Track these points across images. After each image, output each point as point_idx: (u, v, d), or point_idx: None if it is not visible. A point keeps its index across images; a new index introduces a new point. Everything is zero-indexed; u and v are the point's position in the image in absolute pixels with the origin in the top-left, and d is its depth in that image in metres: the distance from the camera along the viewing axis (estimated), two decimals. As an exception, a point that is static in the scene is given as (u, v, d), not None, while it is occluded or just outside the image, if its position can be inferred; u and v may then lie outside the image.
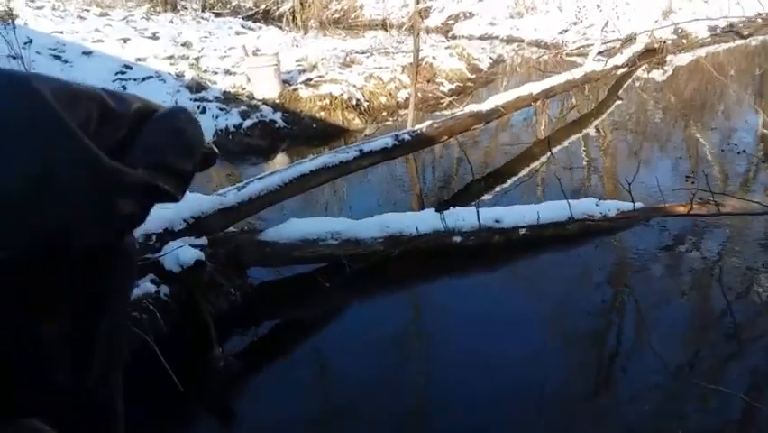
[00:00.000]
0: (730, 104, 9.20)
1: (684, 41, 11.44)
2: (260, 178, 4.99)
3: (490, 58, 12.21)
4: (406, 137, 6.34)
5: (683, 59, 11.36)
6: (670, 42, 11.24)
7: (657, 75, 10.69)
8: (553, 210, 5.18)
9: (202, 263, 4.11)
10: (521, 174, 6.66)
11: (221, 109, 8.59)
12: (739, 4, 11.86)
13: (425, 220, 5.11)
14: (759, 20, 11.38)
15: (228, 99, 8.87)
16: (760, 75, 10.33)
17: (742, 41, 11.22)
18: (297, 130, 8.37)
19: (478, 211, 4.88)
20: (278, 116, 8.48)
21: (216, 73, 9.75)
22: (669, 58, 11.15)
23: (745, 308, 4.01)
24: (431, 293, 4.62)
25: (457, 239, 5.04)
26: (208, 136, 8.09)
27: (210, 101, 8.76)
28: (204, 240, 4.50)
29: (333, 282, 4.44)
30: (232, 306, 4.24)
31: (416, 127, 6.64)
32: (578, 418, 3.08)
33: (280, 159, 7.58)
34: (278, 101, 8.77)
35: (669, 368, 3.41)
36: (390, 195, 6.46)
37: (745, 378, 3.29)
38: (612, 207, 5.22)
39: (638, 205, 5.25)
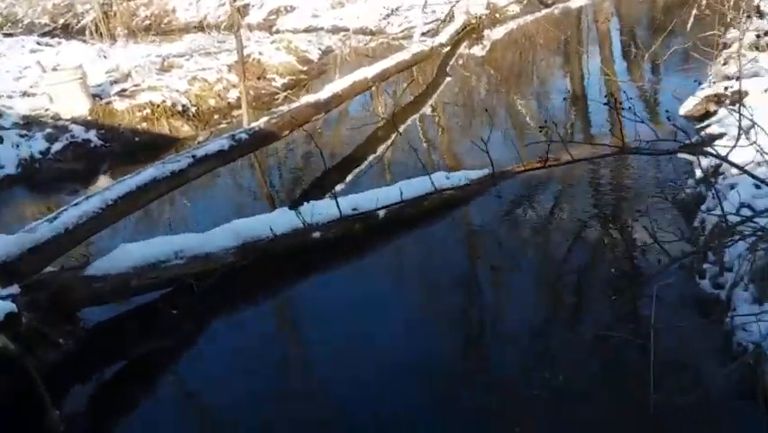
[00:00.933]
0: (544, 68, 9.84)
1: (497, 14, 12.09)
2: (76, 204, 4.25)
3: (319, 49, 11.98)
4: (243, 136, 5.86)
5: (498, 32, 11.98)
6: (485, 18, 11.81)
7: (477, 50, 11.15)
8: (407, 189, 5.01)
9: (15, 316, 3.39)
10: (371, 158, 6.50)
11: (22, 136, 7.42)
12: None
13: (279, 220, 4.71)
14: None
15: (30, 123, 7.69)
16: (564, 40, 11.20)
17: (548, 10, 12.11)
18: (118, 146, 7.47)
19: (337, 201, 4.58)
20: (92, 134, 7.50)
21: (12, 97, 8.43)
22: (486, 33, 11.69)
23: (583, 252, 4.20)
24: (295, 295, 4.27)
25: (317, 234, 4.72)
26: (10, 168, 6.95)
27: (7, 128, 7.53)
28: (15, 288, 3.73)
29: (180, 307, 3.89)
30: (64, 356, 3.55)
31: (253, 125, 6.18)
32: (454, 381, 3.05)
33: (104, 181, 6.69)
34: (89, 118, 7.77)
35: (528, 322, 3.49)
36: (238, 200, 5.96)
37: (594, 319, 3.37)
38: (462, 177, 5.20)
39: (489, 170, 5.29)
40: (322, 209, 4.77)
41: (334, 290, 4.17)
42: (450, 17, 11.79)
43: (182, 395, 3.34)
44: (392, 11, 13.50)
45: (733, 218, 3.55)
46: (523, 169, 4.73)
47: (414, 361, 3.21)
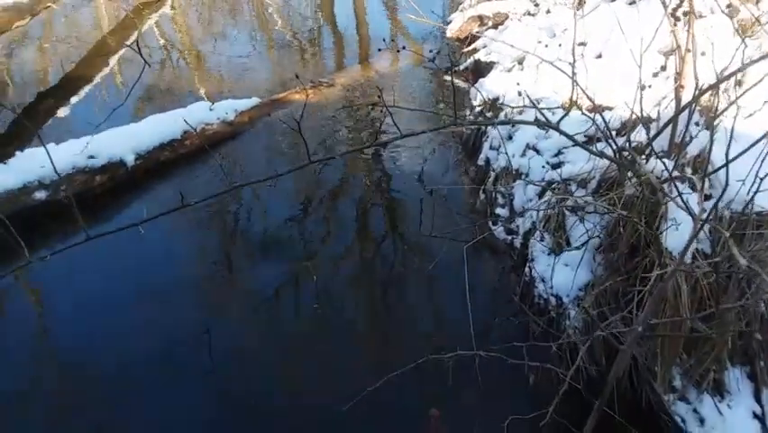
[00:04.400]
0: None
1: None
2: None
3: None
4: None
5: None
6: None
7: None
8: (161, 126, 4.10)
9: None
10: (104, 81, 5.16)
11: None
12: None
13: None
14: None
15: None
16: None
17: None
18: None
19: (64, 147, 3.47)
20: None
21: None
22: None
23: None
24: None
25: (40, 195, 3.58)
26: None
27: None
28: None
29: None
30: None
31: None
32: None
33: None
34: None
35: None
36: None
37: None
38: (229, 108, 4.42)
39: (255, 100, 4.59)
40: (43, 159, 3.60)
41: (70, 278, 3.17)
42: None
43: None
44: None
45: (517, 162, 3.57)
46: (284, 101, 4.13)
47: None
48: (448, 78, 4.99)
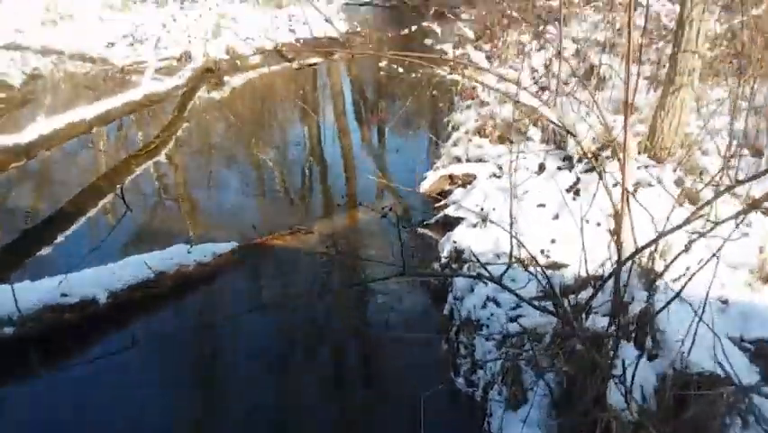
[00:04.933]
0: (283, 121, 9.74)
1: (238, 62, 11.68)
2: None
3: (23, 73, 10.03)
4: None
5: (239, 78, 11.57)
6: (225, 62, 11.32)
7: (217, 95, 10.58)
8: (137, 267, 4.23)
9: None
10: (86, 223, 5.37)
11: None
12: (279, 28, 12.90)
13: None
14: (298, 45, 12.58)
15: None
16: (302, 94, 11.37)
17: (287, 64, 12.15)
18: None
19: (37, 285, 3.57)
20: None
21: None
22: (226, 78, 11.19)
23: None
24: None
25: (8, 330, 3.62)
26: None
27: None
28: None
29: None
30: None
31: None
32: None
33: None
34: None
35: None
36: None
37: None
38: (207, 251, 4.59)
39: (233, 244, 4.78)
40: (18, 294, 3.70)
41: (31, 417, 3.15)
42: (187, 57, 11.01)
43: None
44: (120, 38, 12.09)
45: (478, 313, 3.70)
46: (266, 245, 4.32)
47: None
48: (421, 230, 5.29)
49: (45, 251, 4.79)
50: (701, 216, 2.34)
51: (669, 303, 2.48)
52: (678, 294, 2.25)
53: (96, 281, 3.99)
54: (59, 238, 4.99)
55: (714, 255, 2.39)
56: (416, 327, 3.94)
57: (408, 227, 5.24)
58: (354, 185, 6.59)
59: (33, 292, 3.76)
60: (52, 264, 4.40)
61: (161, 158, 7.16)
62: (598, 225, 4.04)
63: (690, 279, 2.62)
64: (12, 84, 9.37)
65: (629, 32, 2.69)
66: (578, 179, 4.87)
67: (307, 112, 10.31)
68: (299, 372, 3.62)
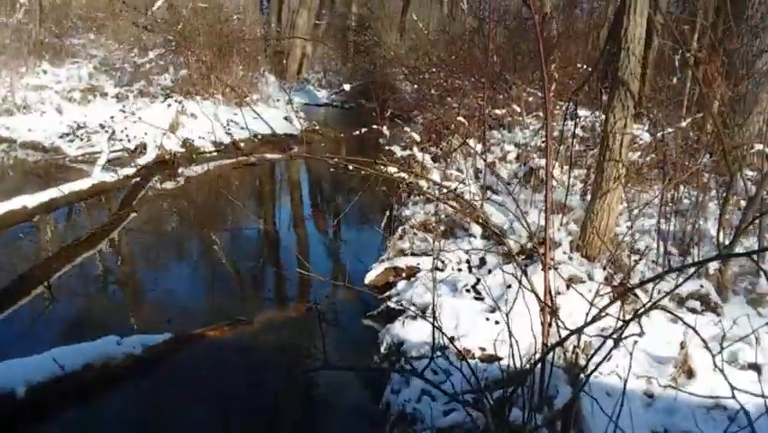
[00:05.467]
0: (236, 212, 9.80)
1: (194, 155, 11.84)
2: None
3: (-29, 159, 9.93)
4: None
5: (194, 170, 11.70)
6: (179, 155, 11.45)
7: (170, 185, 10.62)
8: (61, 359, 4.04)
9: None
10: (13, 314, 5.11)
11: None
12: (239, 124, 13.25)
13: None
14: (255, 139, 12.90)
15: None
16: (258, 185, 11.56)
17: (243, 158, 12.40)
18: None
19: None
20: None
21: None
22: (180, 170, 11.30)
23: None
24: None
25: None
26: None
27: None
28: None
29: None
30: None
31: None
32: None
33: None
34: None
35: None
36: None
37: None
38: (137, 342, 4.44)
39: (167, 336, 4.65)
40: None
41: None
42: (141, 149, 11.11)
43: None
44: (74, 130, 12.15)
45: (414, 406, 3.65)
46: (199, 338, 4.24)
47: None
48: (365, 321, 5.28)
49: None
50: (607, 314, 2.44)
51: (580, 389, 2.52)
52: (586, 380, 2.30)
53: (14, 374, 3.78)
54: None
55: (629, 352, 2.48)
56: (353, 421, 3.84)
57: (335, 322, 5.26)
58: (299, 277, 6.59)
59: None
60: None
61: (103, 247, 7.03)
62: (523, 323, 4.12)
63: (594, 369, 2.67)
64: (-44, 170, 9.21)
65: (547, 134, 2.92)
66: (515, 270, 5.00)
67: (260, 204, 10.44)
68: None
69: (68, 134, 12.00)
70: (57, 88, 14.21)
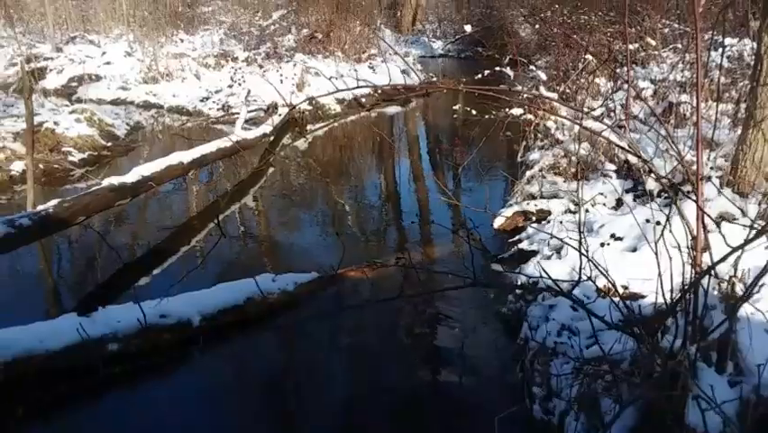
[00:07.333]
0: (363, 165, 10.15)
1: (320, 112, 12.33)
2: None
3: (127, 124, 11.03)
4: (26, 222, 4.91)
5: (320, 126, 12.23)
6: (308, 113, 11.98)
7: (301, 143, 11.19)
8: (227, 293, 4.55)
9: None
10: (183, 255, 5.81)
11: None
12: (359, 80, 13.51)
13: (62, 329, 3.88)
14: (375, 94, 13.11)
15: None
16: (380, 140, 11.84)
17: (365, 113, 12.72)
18: None
19: (140, 306, 3.90)
20: None
21: None
22: (309, 127, 11.83)
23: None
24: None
25: (113, 347, 3.96)
26: None
27: None
28: None
29: None
30: None
31: (39, 208, 5.24)
32: None
33: None
34: None
35: None
36: (10, 303, 4.84)
37: None
38: (290, 280, 4.86)
39: (314, 275, 5.03)
40: (120, 315, 4.07)
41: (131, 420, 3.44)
42: (273, 108, 11.73)
43: None
44: (211, 94, 13.09)
45: (555, 341, 3.71)
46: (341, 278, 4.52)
47: None
48: (495, 266, 5.34)
49: (144, 280, 5.23)
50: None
51: (736, 317, 2.44)
52: (739, 306, 2.22)
53: (190, 305, 4.31)
54: (159, 266, 5.45)
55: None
56: (490, 355, 3.98)
57: (480, 248, 5.31)
58: (428, 222, 6.77)
59: (135, 313, 4.10)
60: (152, 289, 4.81)
61: (249, 200, 7.64)
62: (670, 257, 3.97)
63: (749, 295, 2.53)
64: (118, 134, 10.32)
65: (698, 58, 2.76)
66: (654, 212, 4.80)
67: (385, 157, 10.69)
68: (372, 391, 3.74)
69: (207, 98, 12.95)
70: (193, 55, 15.27)
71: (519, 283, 4.41)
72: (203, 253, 5.78)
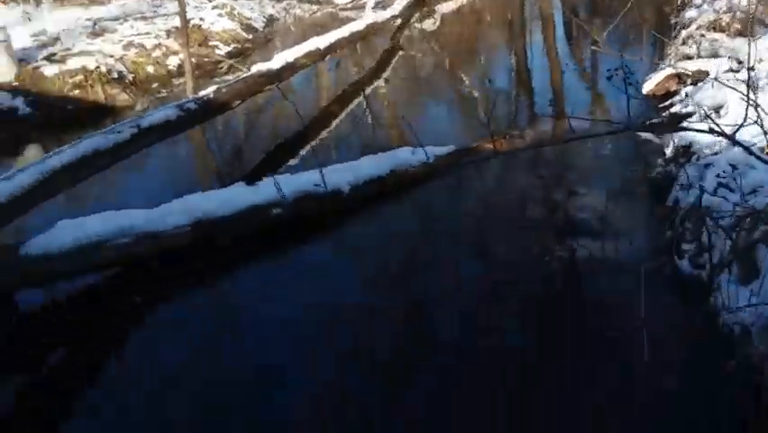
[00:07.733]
0: (494, 43, 9.80)
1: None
2: (6, 177, 3.79)
3: (263, 17, 11.42)
4: (192, 106, 5.45)
5: (447, 7, 11.84)
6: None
7: (429, 24, 10.96)
8: (372, 165, 4.81)
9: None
10: (327, 132, 6.17)
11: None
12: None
13: (235, 196, 4.39)
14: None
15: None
16: (509, 19, 11.24)
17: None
18: (47, 115, 6.80)
19: (297, 177, 4.29)
20: (19, 102, 6.82)
21: None
22: (436, 7, 11.51)
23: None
24: (267, 286, 3.88)
25: (277, 211, 4.43)
26: None
27: None
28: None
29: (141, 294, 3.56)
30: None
31: (201, 94, 5.75)
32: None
33: (34, 152, 6.10)
34: (15, 84, 7.07)
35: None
36: (186, 175, 5.52)
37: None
38: (429, 153, 5.00)
39: (451, 147, 5.14)
40: (281, 184, 4.48)
41: (301, 273, 3.90)
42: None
43: (135, 388, 3.00)
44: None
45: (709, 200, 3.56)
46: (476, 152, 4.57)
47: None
48: (643, 134, 5.07)
49: (303, 152, 5.68)
50: None
51: None
52: None
53: (341, 176, 4.63)
54: (310, 142, 5.87)
55: None
56: (638, 217, 3.94)
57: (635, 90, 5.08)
58: (563, 94, 6.53)
59: (294, 183, 4.51)
60: (306, 162, 5.24)
61: (381, 82, 7.78)
62: None
63: None
64: (256, 27, 10.75)
65: None
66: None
67: (515, 34, 10.21)
68: (518, 254, 3.88)
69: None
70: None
71: (678, 125, 4.17)
72: (342, 131, 6.10)
